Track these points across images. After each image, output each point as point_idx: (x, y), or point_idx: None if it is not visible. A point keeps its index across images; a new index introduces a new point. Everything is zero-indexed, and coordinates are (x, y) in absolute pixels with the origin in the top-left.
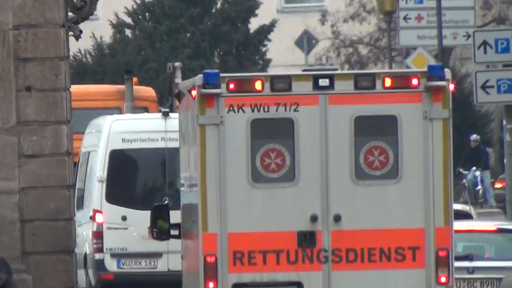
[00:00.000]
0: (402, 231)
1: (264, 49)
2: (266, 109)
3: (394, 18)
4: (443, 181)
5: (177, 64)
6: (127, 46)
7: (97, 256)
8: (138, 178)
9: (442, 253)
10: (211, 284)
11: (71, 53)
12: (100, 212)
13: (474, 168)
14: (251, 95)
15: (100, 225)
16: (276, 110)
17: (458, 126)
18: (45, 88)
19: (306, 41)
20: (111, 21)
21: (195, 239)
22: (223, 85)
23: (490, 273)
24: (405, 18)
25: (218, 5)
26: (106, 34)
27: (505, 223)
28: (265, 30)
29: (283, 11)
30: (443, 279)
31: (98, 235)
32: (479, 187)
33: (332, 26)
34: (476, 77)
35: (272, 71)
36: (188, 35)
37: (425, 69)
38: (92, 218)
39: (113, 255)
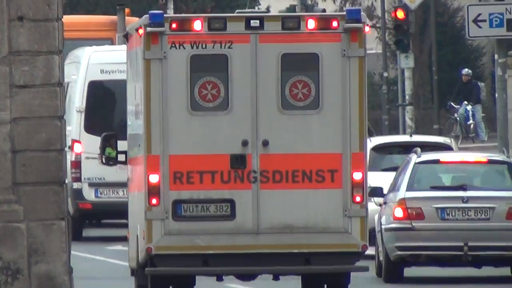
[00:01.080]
0: (322, 156)
1: None
2: (204, 46)
3: None
4: (359, 112)
5: None
6: None
7: (75, 185)
8: (116, 109)
9: (357, 176)
10: (154, 201)
11: None
12: (78, 142)
13: (465, 102)
14: (190, 34)
15: (78, 155)
16: (213, 47)
17: (450, 60)
18: (37, 18)
19: None
20: None
21: (140, 161)
22: (167, 24)
23: (483, 202)
24: None
25: None
26: None
27: (495, 155)
28: None
29: None
30: (358, 199)
31: (77, 164)
32: (471, 121)
33: None
34: (468, 11)
35: (264, 3)
36: None
37: (344, 12)
38: (71, 148)
39: (91, 185)
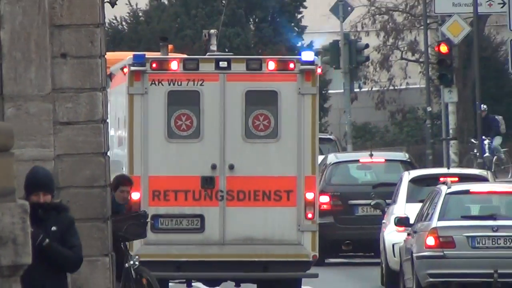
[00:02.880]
0: (279, 178)
1: (299, 16)
2: (179, 83)
3: None
4: (311, 141)
5: (212, 31)
6: (162, 13)
7: None
8: None
9: (309, 196)
10: None
11: (106, 20)
12: None
13: (483, 137)
14: (168, 72)
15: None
16: (187, 84)
17: (493, 94)
18: (81, 55)
19: (341, 8)
20: None
21: None
22: (148, 64)
23: None
24: None
25: None
26: (142, 1)
27: None
28: None
29: None
30: (309, 215)
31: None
32: (487, 154)
33: None
34: (511, 45)
35: (307, 38)
36: (223, 2)
37: (299, 56)
38: None
39: None
